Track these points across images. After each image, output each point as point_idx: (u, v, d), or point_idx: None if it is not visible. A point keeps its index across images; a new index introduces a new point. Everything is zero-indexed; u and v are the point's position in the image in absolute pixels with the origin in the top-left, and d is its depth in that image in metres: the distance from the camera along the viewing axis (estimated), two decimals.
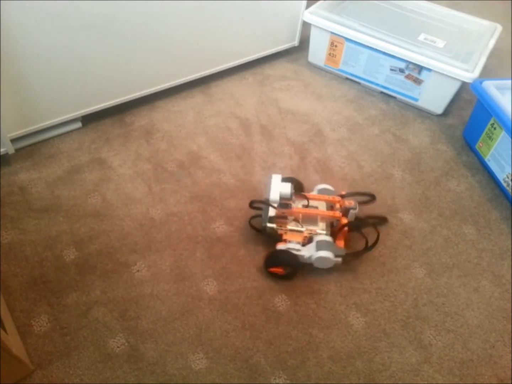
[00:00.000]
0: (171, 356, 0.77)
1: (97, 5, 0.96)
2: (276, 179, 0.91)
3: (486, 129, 1.13)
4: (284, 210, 0.90)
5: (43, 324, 0.79)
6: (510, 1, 1.92)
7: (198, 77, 1.28)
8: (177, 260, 0.90)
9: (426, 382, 0.78)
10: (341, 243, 0.90)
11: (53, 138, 1.12)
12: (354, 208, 0.90)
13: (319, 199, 0.96)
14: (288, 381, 0.76)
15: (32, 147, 1.10)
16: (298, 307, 0.85)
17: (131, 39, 1.06)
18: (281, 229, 0.91)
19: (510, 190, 1.07)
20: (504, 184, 1.09)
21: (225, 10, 1.17)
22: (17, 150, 1.06)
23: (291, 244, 0.89)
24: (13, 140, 1.04)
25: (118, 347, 0.78)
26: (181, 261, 0.90)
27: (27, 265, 0.87)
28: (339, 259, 0.88)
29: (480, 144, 1.17)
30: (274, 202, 0.88)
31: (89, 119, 1.16)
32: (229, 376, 0.76)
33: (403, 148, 1.21)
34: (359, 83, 1.40)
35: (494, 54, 1.43)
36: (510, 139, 1.04)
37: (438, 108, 1.30)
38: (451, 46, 1.28)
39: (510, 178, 1.06)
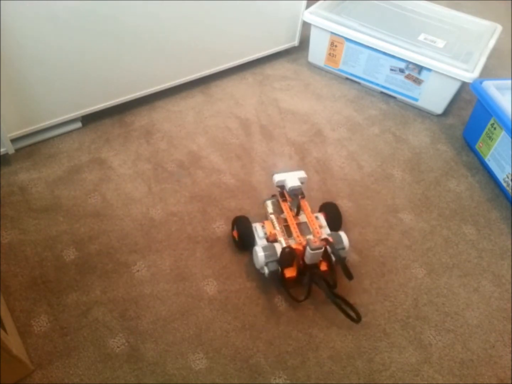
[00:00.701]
0: (171, 356, 0.77)
1: (97, 5, 0.96)
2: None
3: (486, 129, 1.13)
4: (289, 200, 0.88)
5: (43, 324, 0.79)
6: (510, 1, 1.92)
7: (198, 77, 1.28)
8: (177, 260, 0.90)
9: (426, 382, 0.78)
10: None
11: (53, 138, 1.12)
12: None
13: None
14: (288, 381, 0.76)
15: (32, 147, 1.10)
16: (298, 307, 0.85)
17: (131, 39, 1.06)
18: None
19: (510, 190, 1.07)
20: (504, 184, 1.09)
21: (225, 10, 1.17)
22: (17, 150, 1.06)
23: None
24: (13, 140, 1.04)
25: (118, 347, 0.78)
26: (181, 261, 0.90)
27: (27, 265, 0.87)
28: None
29: (480, 144, 1.17)
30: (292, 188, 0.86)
31: (89, 119, 1.16)
32: (229, 376, 0.76)
33: (403, 148, 1.21)
34: (359, 83, 1.40)
35: (494, 54, 1.43)
36: (510, 139, 1.04)
37: (438, 108, 1.31)
38: (451, 46, 1.28)
39: (510, 178, 1.06)
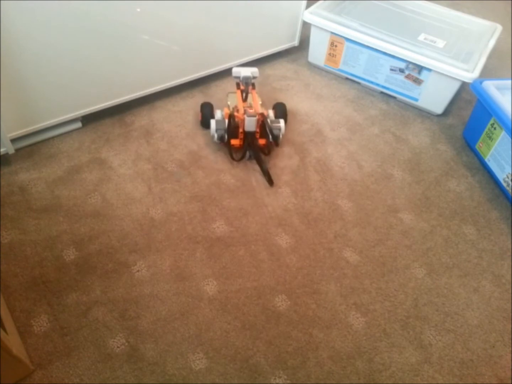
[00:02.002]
0: (171, 356, 0.77)
1: (97, 6, 0.96)
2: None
3: (486, 129, 1.13)
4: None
5: (43, 324, 0.79)
6: (510, 1, 1.92)
7: (198, 77, 1.28)
8: (177, 260, 0.90)
9: (426, 382, 0.78)
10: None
11: (53, 138, 1.12)
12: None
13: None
14: (288, 381, 0.76)
15: (32, 147, 1.10)
16: (298, 307, 0.85)
17: (131, 39, 1.06)
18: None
19: (510, 190, 1.07)
20: (504, 184, 1.09)
21: (225, 11, 1.17)
22: (17, 150, 1.06)
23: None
24: (13, 140, 1.04)
25: (118, 347, 0.78)
26: (181, 261, 0.90)
27: (27, 265, 0.87)
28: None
29: (480, 144, 1.17)
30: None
31: (89, 119, 1.16)
32: (229, 376, 0.76)
33: (403, 148, 1.21)
34: (359, 83, 1.40)
35: (494, 54, 1.43)
36: (510, 139, 1.04)
37: (438, 108, 1.31)
38: (451, 46, 1.28)
39: (510, 178, 1.06)
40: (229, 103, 1.15)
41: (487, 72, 1.45)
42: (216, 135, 1.08)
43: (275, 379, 0.76)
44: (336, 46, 1.35)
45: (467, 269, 0.95)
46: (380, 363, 0.79)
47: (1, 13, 0.85)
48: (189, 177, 1.07)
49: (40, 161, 1.07)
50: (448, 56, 1.23)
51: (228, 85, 1.33)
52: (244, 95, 1.13)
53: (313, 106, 1.30)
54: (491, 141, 1.12)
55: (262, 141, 1.09)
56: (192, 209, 1.00)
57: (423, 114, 1.32)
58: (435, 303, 0.89)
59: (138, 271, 0.88)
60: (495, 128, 1.10)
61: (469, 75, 1.17)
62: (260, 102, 1.13)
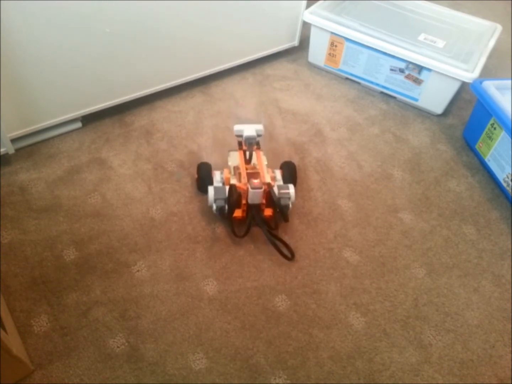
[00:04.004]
0: (171, 356, 0.77)
1: (96, 6, 0.96)
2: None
3: (486, 129, 1.13)
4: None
5: (43, 324, 0.79)
6: (510, 1, 1.92)
7: (198, 77, 1.28)
8: (177, 260, 0.90)
9: (426, 382, 0.78)
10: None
11: (53, 138, 1.12)
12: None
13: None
14: (288, 381, 0.76)
15: (32, 147, 1.10)
16: (298, 307, 0.85)
17: (131, 39, 1.06)
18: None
19: (510, 190, 1.07)
20: (504, 184, 1.09)
21: (225, 10, 1.17)
22: (17, 150, 1.06)
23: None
24: (13, 140, 1.04)
25: (118, 347, 0.78)
26: (181, 261, 0.90)
27: (27, 265, 0.87)
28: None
29: (480, 144, 1.17)
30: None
31: (89, 119, 1.16)
32: (229, 376, 0.76)
33: (403, 148, 1.21)
34: (359, 83, 1.40)
35: (494, 54, 1.43)
36: (510, 139, 1.04)
37: (438, 108, 1.31)
38: (451, 46, 1.28)
39: (510, 178, 1.06)
40: (230, 163, 1.00)
41: (487, 72, 1.45)
42: (214, 206, 0.92)
43: (275, 379, 0.76)
44: (336, 46, 1.35)
45: (467, 269, 0.95)
46: (380, 363, 0.79)
47: (1, 13, 0.85)
48: (189, 177, 1.07)
49: (40, 161, 1.07)
50: (448, 56, 1.23)
51: (228, 85, 1.33)
52: (247, 155, 0.98)
53: (313, 106, 1.30)
54: (491, 141, 1.12)
55: (268, 212, 0.94)
56: (192, 209, 1.00)
57: (423, 114, 1.32)
58: (435, 303, 0.89)
59: (138, 271, 0.88)
60: (495, 128, 1.10)
61: (469, 75, 1.17)
62: (266, 163, 0.99)
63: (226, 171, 0.98)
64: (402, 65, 1.27)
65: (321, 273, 0.91)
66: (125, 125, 1.18)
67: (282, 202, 0.90)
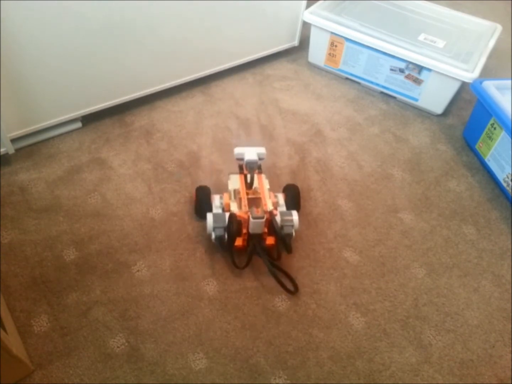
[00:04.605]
0: (171, 356, 0.77)
1: (97, 6, 0.96)
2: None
3: (486, 129, 1.13)
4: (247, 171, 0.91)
5: (43, 324, 0.79)
6: (510, 1, 1.92)
7: (198, 77, 1.28)
8: (177, 260, 0.90)
9: (426, 382, 0.78)
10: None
11: (53, 138, 1.12)
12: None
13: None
14: (288, 381, 0.76)
15: (32, 147, 1.10)
16: (298, 307, 0.85)
17: (131, 39, 1.06)
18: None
19: (510, 190, 1.07)
20: (504, 184, 1.09)
21: (225, 10, 1.17)
22: (17, 150, 1.06)
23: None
24: (13, 140, 1.04)
25: (118, 347, 0.78)
26: (181, 261, 0.90)
27: (27, 265, 0.87)
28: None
29: (480, 144, 1.17)
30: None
31: (89, 119, 1.16)
32: (229, 376, 0.76)
33: (403, 148, 1.21)
34: (359, 83, 1.40)
35: (494, 54, 1.43)
36: (510, 139, 1.04)
37: (438, 108, 1.31)
38: (451, 46, 1.28)
39: (510, 178, 1.06)
40: (230, 187, 0.94)
41: (487, 72, 1.45)
42: (213, 235, 0.87)
43: (275, 379, 0.76)
44: (336, 46, 1.35)
45: (467, 269, 0.95)
46: (380, 363, 0.79)
47: (1, 13, 0.85)
48: (189, 177, 1.07)
49: (40, 161, 1.07)
50: (448, 56, 1.23)
51: (228, 85, 1.33)
52: (248, 178, 0.93)
53: (313, 106, 1.30)
54: (491, 141, 1.12)
55: (270, 240, 0.89)
56: (192, 209, 1.00)
57: (423, 114, 1.32)
58: (435, 303, 0.89)
59: (138, 271, 0.88)
60: (495, 128, 1.10)
61: (469, 75, 1.17)
62: (268, 187, 0.93)
63: (226, 196, 0.93)
64: (402, 65, 1.27)
65: (321, 273, 0.91)
66: (125, 125, 1.18)
67: (285, 230, 0.85)
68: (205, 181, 1.05)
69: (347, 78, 1.41)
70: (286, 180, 1.08)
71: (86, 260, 0.89)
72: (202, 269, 0.89)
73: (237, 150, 0.91)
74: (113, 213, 0.97)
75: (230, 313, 0.83)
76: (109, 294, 0.84)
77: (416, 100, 1.32)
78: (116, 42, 1.04)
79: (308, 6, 1.35)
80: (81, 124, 1.15)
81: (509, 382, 0.79)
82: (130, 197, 1.01)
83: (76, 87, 1.06)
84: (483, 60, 1.22)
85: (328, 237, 0.97)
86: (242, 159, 0.91)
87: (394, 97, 1.36)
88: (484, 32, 1.35)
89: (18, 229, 0.93)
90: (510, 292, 0.91)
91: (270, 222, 0.85)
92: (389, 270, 0.93)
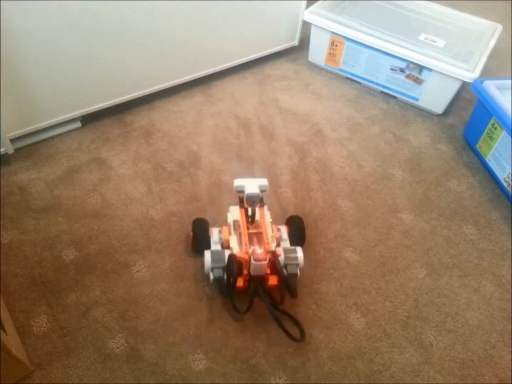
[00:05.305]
0: (171, 356, 0.77)
1: (97, 5, 0.95)
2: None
3: (486, 129, 1.13)
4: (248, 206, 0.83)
5: (43, 324, 0.79)
6: (510, 1, 1.92)
7: (198, 77, 1.27)
8: (177, 260, 0.90)
9: (426, 383, 0.78)
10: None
11: (52, 138, 1.12)
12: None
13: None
14: (288, 382, 0.76)
15: (32, 147, 1.10)
16: (298, 307, 0.85)
17: (131, 39, 1.06)
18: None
19: (511, 190, 1.06)
20: (505, 184, 1.08)
21: (225, 10, 1.17)
22: (16, 150, 1.06)
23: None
24: (13, 140, 1.04)
25: (117, 347, 0.77)
26: (181, 261, 0.90)
27: (26, 265, 0.87)
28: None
29: (481, 144, 1.17)
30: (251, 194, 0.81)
31: (88, 119, 1.16)
32: (229, 377, 0.76)
33: (403, 148, 1.21)
34: (359, 83, 1.40)
35: (494, 54, 1.43)
36: (511, 139, 1.04)
37: (439, 108, 1.30)
38: (452, 46, 1.28)
39: (510, 178, 1.06)
40: (229, 221, 0.87)
41: (488, 72, 1.45)
42: (212, 275, 0.80)
43: (275, 379, 0.76)
44: (336, 45, 1.35)
45: (467, 269, 0.95)
46: (380, 364, 0.79)
47: (1, 13, 0.85)
48: (189, 177, 1.06)
49: (40, 161, 1.07)
50: (449, 55, 1.22)
51: (228, 85, 1.33)
52: (249, 212, 0.84)
53: (313, 106, 1.30)
54: (492, 141, 1.11)
55: (273, 280, 0.81)
56: (192, 209, 0.99)
57: (424, 114, 1.32)
58: (435, 303, 0.88)
59: (138, 271, 0.88)
60: (495, 128, 1.10)
61: (470, 75, 1.17)
62: (270, 220, 0.87)
63: (225, 230, 0.86)
64: (403, 64, 1.27)
65: (321, 273, 0.91)
66: (124, 125, 1.18)
67: (289, 270, 0.79)
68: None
69: (347, 78, 1.41)
70: (286, 180, 1.08)
71: (85, 260, 0.89)
72: (202, 270, 0.89)
73: (237, 182, 0.82)
74: (113, 213, 0.97)
75: (230, 313, 0.83)
76: (109, 295, 0.84)
77: (417, 99, 1.31)
78: (116, 42, 1.04)
79: (308, 6, 1.35)
80: (80, 124, 1.15)
81: (510, 382, 0.79)
82: (130, 197, 1.01)
83: (76, 87, 1.05)
84: (483, 60, 1.22)
85: (328, 237, 0.97)
86: (242, 192, 0.82)
87: (395, 97, 1.36)
88: (484, 32, 1.35)
89: (18, 229, 0.93)
90: (510, 292, 0.91)
91: (273, 263, 0.78)
92: (390, 270, 0.93)
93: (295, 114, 1.27)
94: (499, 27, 1.36)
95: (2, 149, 1.02)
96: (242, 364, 0.77)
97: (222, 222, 0.94)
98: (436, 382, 0.78)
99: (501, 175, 1.09)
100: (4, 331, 0.68)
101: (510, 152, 1.05)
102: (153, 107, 1.23)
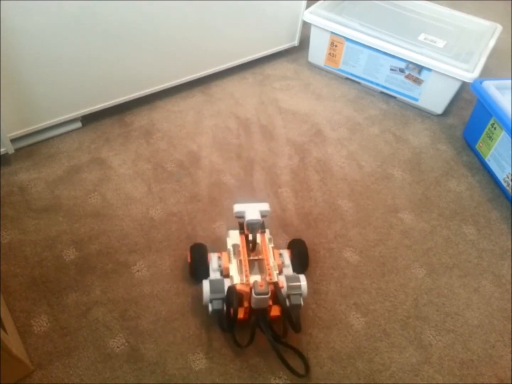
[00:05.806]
0: (171, 356, 0.77)
1: (97, 5, 0.95)
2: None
3: (486, 129, 1.13)
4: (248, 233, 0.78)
5: (43, 324, 0.79)
6: (510, 1, 1.92)
7: (198, 77, 1.28)
8: (177, 260, 0.90)
9: (426, 382, 0.78)
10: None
11: (53, 138, 1.12)
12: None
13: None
14: (288, 381, 0.76)
15: (32, 147, 1.10)
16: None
17: (131, 39, 1.06)
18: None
19: (510, 190, 1.06)
20: (504, 184, 1.08)
21: (225, 10, 1.17)
22: (17, 150, 1.06)
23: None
24: (13, 140, 1.04)
25: (118, 347, 0.77)
26: (181, 261, 0.90)
27: (27, 265, 0.87)
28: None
29: (480, 144, 1.17)
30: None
31: (89, 119, 1.16)
32: (229, 376, 0.76)
33: (403, 148, 1.21)
34: (359, 83, 1.40)
35: (494, 54, 1.43)
36: (510, 139, 1.04)
37: (438, 108, 1.30)
38: (451, 46, 1.28)
39: (510, 178, 1.06)
40: (229, 246, 0.82)
41: (487, 72, 1.45)
42: (210, 307, 0.75)
43: (275, 379, 0.76)
44: (336, 46, 1.35)
45: (467, 269, 0.95)
46: (380, 363, 0.79)
47: (1, 13, 0.85)
48: (189, 177, 1.07)
49: (40, 161, 1.07)
50: (448, 56, 1.23)
51: (228, 85, 1.33)
52: (249, 239, 0.79)
53: (313, 106, 1.30)
54: (491, 141, 1.12)
55: (275, 311, 0.77)
56: (192, 209, 0.99)
57: (423, 114, 1.32)
58: (435, 303, 0.88)
59: (138, 271, 0.88)
60: (495, 128, 1.10)
61: (469, 75, 1.17)
62: (272, 245, 0.82)
63: (224, 256, 0.81)
64: (402, 65, 1.27)
65: (321, 273, 0.91)
66: (125, 125, 1.18)
67: (292, 300, 0.75)
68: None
69: (347, 78, 1.41)
70: (286, 180, 1.08)
71: (86, 260, 0.89)
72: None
73: (237, 208, 0.78)
74: (113, 213, 0.97)
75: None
76: (109, 294, 0.84)
77: (416, 100, 1.31)
78: (116, 42, 1.04)
79: (308, 6, 1.35)
80: (81, 124, 1.15)
81: (509, 382, 0.79)
82: (130, 197, 1.01)
83: (76, 87, 1.05)
84: (483, 60, 1.22)
85: (328, 237, 0.97)
86: (242, 217, 0.78)
87: (394, 97, 1.36)
88: (484, 32, 1.35)
89: (18, 229, 0.93)
90: (510, 292, 0.91)
91: (276, 294, 0.73)
92: (389, 270, 0.93)
93: (295, 114, 1.27)
94: (499, 27, 1.36)
95: (2, 149, 1.02)
96: (242, 363, 0.77)
97: (222, 222, 0.94)
98: (435, 381, 0.78)
99: (501, 175, 1.09)
100: (5, 330, 0.68)
101: (510, 152, 1.05)
102: (153, 107, 1.23)
